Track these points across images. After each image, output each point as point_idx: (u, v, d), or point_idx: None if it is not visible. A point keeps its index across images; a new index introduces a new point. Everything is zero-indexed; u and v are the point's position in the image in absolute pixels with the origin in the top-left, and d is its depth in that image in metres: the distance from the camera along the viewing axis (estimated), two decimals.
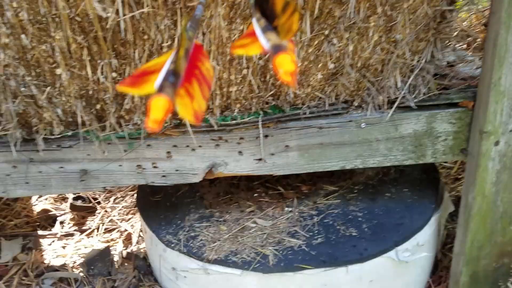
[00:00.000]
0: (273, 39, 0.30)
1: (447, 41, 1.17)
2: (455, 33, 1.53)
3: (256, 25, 0.33)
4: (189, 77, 0.33)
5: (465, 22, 1.86)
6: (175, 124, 1.09)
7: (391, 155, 1.18)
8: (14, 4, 0.88)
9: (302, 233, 1.24)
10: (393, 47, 1.06)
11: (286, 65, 0.28)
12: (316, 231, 1.25)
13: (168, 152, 1.13)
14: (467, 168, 1.22)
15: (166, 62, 0.34)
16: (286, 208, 1.34)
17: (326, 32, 1.00)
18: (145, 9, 0.89)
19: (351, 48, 1.03)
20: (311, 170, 1.18)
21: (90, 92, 1.02)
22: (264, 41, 0.30)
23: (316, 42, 1.00)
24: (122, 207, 1.96)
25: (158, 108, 0.28)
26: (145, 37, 0.93)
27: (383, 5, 0.99)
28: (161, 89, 0.29)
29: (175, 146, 1.12)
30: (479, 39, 1.77)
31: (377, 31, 1.02)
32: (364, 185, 1.42)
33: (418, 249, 1.27)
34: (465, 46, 1.72)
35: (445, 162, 1.90)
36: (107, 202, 2.03)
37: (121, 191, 2.10)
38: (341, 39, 1.01)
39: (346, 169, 1.27)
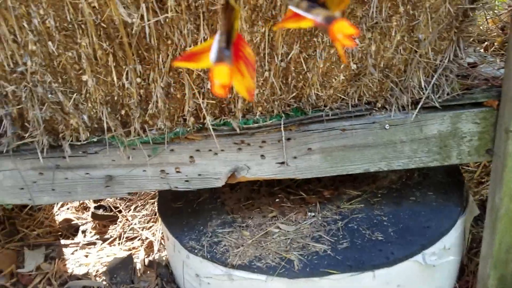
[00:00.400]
0: (323, 12, 0.31)
1: (470, 40, 1.15)
2: (472, 38, 1.52)
3: (297, 9, 0.33)
4: (236, 58, 0.33)
5: (481, 27, 1.84)
6: (198, 128, 1.10)
7: (416, 156, 1.16)
8: (41, 12, 0.90)
9: (326, 238, 1.23)
10: (416, 46, 1.05)
11: (346, 29, 0.29)
12: (341, 236, 1.23)
13: (191, 157, 1.13)
14: (493, 168, 1.20)
15: (212, 43, 0.35)
16: (309, 213, 1.33)
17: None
18: (169, 14, 0.90)
19: (373, 48, 1.02)
20: (334, 173, 1.17)
21: (115, 98, 1.03)
22: (313, 16, 0.31)
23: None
24: (143, 215, 1.97)
25: (222, 75, 0.28)
26: (169, 41, 0.95)
27: (405, 5, 0.98)
28: (220, 59, 0.29)
29: (197, 150, 1.12)
30: (496, 43, 1.75)
31: (399, 30, 1.02)
32: (387, 189, 1.41)
33: (445, 252, 1.25)
34: (482, 50, 1.70)
35: (467, 166, 1.87)
36: (128, 210, 2.04)
37: (142, 199, 2.11)
38: (363, 39, 1.01)
39: (369, 174, 1.27)
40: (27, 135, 1.09)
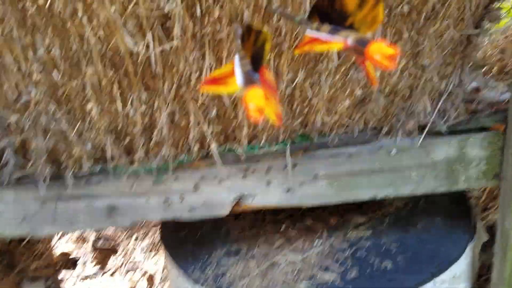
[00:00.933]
0: (353, 34, 0.30)
1: (475, 65, 1.16)
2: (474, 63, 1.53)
3: (317, 33, 0.32)
4: (264, 85, 0.32)
5: (480, 51, 1.86)
6: (203, 155, 1.08)
7: (424, 182, 1.15)
8: (47, 41, 0.91)
9: (335, 267, 1.19)
10: (421, 72, 1.05)
11: (385, 50, 0.27)
12: (350, 265, 1.20)
13: (196, 185, 1.11)
14: (502, 193, 1.18)
15: (233, 67, 0.34)
16: (316, 241, 1.30)
17: (353, 58, 1.00)
18: (175, 42, 0.90)
19: (378, 73, 1.02)
20: (341, 200, 1.15)
21: (120, 126, 1.03)
22: (342, 39, 0.30)
23: (343, 69, 1.00)
24: (144, 245, 1.94)
25: (257, 97, 0.27)
26: (174, 69, 0.95)
27: (409, 30, 0.99)
28: (250, 82, 0.28)
29: (202, 178, 1.11)
30: (495, 68, 1.77)
31: (404, 56, 1.02)
32: (394, 216, 1.38)
33: (455, 280, 1.21)
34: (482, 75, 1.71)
35: (472, 189, 1.85)
36: (128, 241, 2.00)
37: (143, 229, 2.08)
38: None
39: (375, 201, 1.24)
40: (29, 165, 1.07)
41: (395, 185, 1.14)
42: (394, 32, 0.98)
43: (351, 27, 0.31)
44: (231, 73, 0.35)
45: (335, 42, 0.30)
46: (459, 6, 1.00)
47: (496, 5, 1.02)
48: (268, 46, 0.32)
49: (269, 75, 0.33)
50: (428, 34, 1.00)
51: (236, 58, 0.35)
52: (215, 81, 0.34)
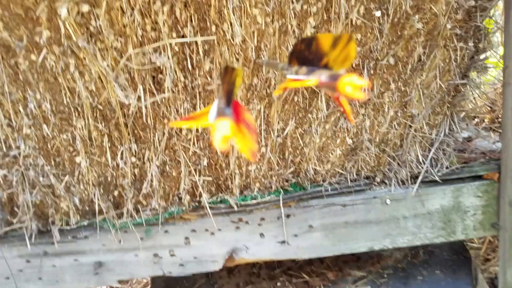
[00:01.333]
0: (326, 72, 0.30)
1: (463, 115, 1.17)
2: (464, 114, 1.56)
3: (297, 76, 0.33)
4: (237, 121, 0.32)
5: (469, 104, 1.90)
6: (194, 207, 1.06)
7: (421, 233, 1.12)
8: (38, 96, 0.91)
9: None
10: (410, 121, 1.06)
11: (354, 82, 0.27)
12: None
13: (186, 238, 1.08)
14: (501, 243, 1.15)
15: (211, 107, 0.34)
16: None
17: (342, 108, 1.00)
18: (166, 94, 0.91)
19: (368, 123, 1.03)
20: (337, 253, 1.11)
21: (109, 179, 1.01)
22: (317, 77, 0.30)
23: (332, 119, 1.01)
24: None
25: (223, 127, 0.26)
26: (165, 120, 0.95)
27: (396, 81, 1.01)
28: (220, 115, 0.28)
29: (193, 230, 1.08)
30: (486, 120, 1.80)
31: (392, 106, 1.03)
32: (393, 269, 1.34)
33: None
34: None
35: (472, 242, 1.81)
36: None
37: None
38: (357, 114, 1.02)
39: (373, 253, 1.21)
40: (15, 220, 1.04)
41: (392, 236, 1.11)
42: (381, 83, 1.00)
43: (326, 66, 0.31)
44: (206, 112, 0.34)
45: (311, 80, 0.30)
46: (444, 58, 1.02)
47: (482, 56, 1.04)
48: (239, 81, 0.32)
49: (248, 115, 0.33)
50: (415, 85, 1.02)
51: (216, 99, 0.35)
52: (188, 118, 0.34)
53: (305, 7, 0.87)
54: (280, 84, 0.32)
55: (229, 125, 0.27)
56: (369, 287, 1.27)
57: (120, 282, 1.11)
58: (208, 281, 1.38)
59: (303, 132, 1.01)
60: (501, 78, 1.63)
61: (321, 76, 0.29)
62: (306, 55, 0.31)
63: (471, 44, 1.03)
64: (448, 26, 0.99)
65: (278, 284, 1.34)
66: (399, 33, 0.96)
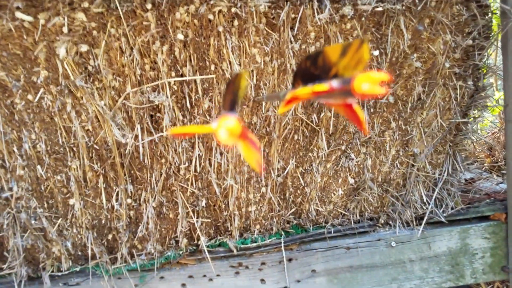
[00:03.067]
0: (338, 79, 0.28)
1: (466, 155, 1.16)
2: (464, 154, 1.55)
3: (303, 92, 0.31)
4: (244, 137, 0.30)
5: (468, 148, 1.90)
6: (191, 251, 1.02)
7: (428, 277, 1.07)
8: (33, 136, 0.89)
9: None
10: (412, 160, 1.04)
11: (372, 78, 0.25)
12: None
13: (183, 285, 1.03)
14: None
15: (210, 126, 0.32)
16: None
17: (343, 147, 0.99)
18: (164, 133, 0.89)
19: (369, 162, 1.01)
20: None
21: (103, 221, 0.97)
22: (328, 84, 0.28)
23: (333, 157, 0.99)
24: None
25: (229, 123, 0.24)
26: (163, 160, 0.93)
27: (396, 120, 1.00)
28: (224, 115, 0.26)
29: (190, 276, 1.02)
30: (486, 163, 1.78)
31: (393, 145, 1.01)
32: None
33: None
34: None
35: (480, 287, 1.75)
36: None
37: None
38: (358, 153, 1.00)
39: None
40: (5, 266, 0.99)
41: (399, 281, 1.06)
42: (381, 121, 0.99)
43: (335, 76, 0.29)
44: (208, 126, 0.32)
45: (319, 87, 0.28)
46: (444, 96, 1.02)
47: (482, 93, 1.04)
48: (243, 83, 0.30)
49: (251, 135, 0.31)
50: (416, 123, 1.01)
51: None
52: (187, 129, 0.32)
53: (303, 46, 0.87)
54: (286, 97, 0.29)
55: (236, 120, 0.25)
56: None
57: None
58: None
59: (304, 171, 0.99)
60: (498, 123, 1.63)
61: (332, 83, 0.27)
62: (312, 71, 0.30)
63: (470, 82, 1.03)
64: (447, 64, 0.99)
65: None
66: (397, 71, 0.96)
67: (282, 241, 1.01)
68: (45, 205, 0.96)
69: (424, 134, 1.03)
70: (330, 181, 1.01)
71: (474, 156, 1.75)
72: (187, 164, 0.92)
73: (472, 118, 1.09)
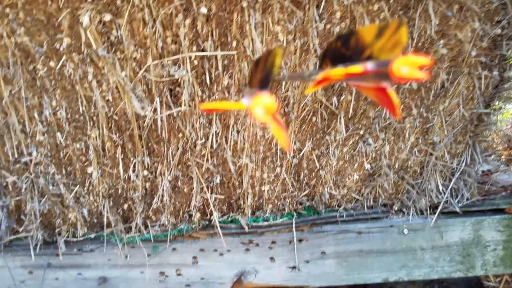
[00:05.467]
0: (373, 61, 0.27)
1: (486, 146, 1.13)
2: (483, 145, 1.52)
3: (331, 74, 0.30)
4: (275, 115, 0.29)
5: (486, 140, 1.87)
6: (204, 225, 1.03)
7: (438, 266, 1.07)
8: (54, 103, 0.90)
9: None
10: (431, 149, 1.02)
11: (413, 61, 0.24)
12: None
13: (194, 257, 1.04)
14: None
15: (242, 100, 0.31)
16: None
17: (361, 132, 0.98)
18: (182, 108, 0.90)
19: (387, 148, 1.00)
20: (350, 282, 1.07)
21: (119, 191, 0.99)
22: (363, 67, 0.27)
23: (351, 142, 0.98)
24: None
25: (265, 101, 0.23)
26: (180, 135, 0.93)
27: (418, 107, 0.98)
28: (257, 93, 0.25)
29: (202, 250, 1.04)
30: (503, 156, 1.75)
31: (413, 132, 1.00)
32: None
33: None
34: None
35: (488, 281, 1.74)
36: None
37: None
38: (376, 139, 0.99)
39: (386, 286, 1.15)
40: (21, 229, 1.02)
41: (408, 268, 1.06)
42: (403, 108, 0.97)
43: (369, 58, 0.28)
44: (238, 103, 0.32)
45: (353, 69, 0.27)
46: (468, 85, 1.00)
47: (507, 84, 1.01)
48: (278, 61, 0.29)
49: (282, 120, 0.30)
50: (438, 111, 0.99)
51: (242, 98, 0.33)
52: (218, 104, 0.31)
53: (328, 26, 0.85)
54: (317, 77, 0.29)
55: (270, 98, 0.24)
56: None
57: None
58: None
59: (320, 154, 0.98)
60: None
61: (367, 65, 0.26)
62: (343, 52, 0.29)
63: (496, 73, 1.01)
64: (473, 53, 0.96)
65: None
66: None
67: (294, 222, 1.01)
68: (63, 172, 0.98)
69: (445, 123, 1.02)
70: (346, 165, 1.00)
71: (492, 148, 1.73)
72: (203, 140, 0.93)
73: (493, 110, 1.07)
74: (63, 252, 1.02)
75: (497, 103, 1.05)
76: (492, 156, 1.69)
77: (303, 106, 0.92)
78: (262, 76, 0.30)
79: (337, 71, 0.28)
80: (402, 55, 0.25)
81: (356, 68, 0.27)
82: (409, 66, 0.24)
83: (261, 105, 0.23)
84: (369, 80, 0.27)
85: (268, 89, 0.28)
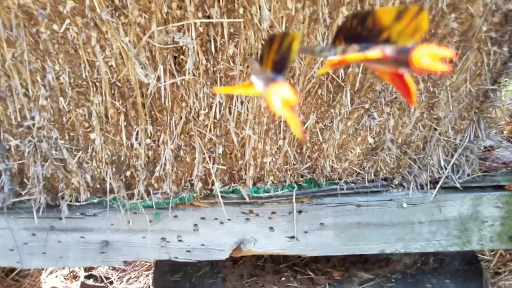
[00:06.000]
0: (392, 45, 0.26)
1: (490, 122, 1.13)
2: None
3: (346, 55, 0.29)
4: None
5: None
6: (205, 194, 1.04)
7: (435, 239, 1.09)
8: (57, 67, 0.89)
9: None
10: (435, 124, 1.02)
11: (435, 52, 0.24)
12: None
13: (195, 225, 1.06)
14: None
15: (252, 79, 0.31)
16: None
17: (366, 105, 0.97)
18: (186, 77, 0.89)
19: (392, 123, 1.00)
20: (347, 253, 1.09)
21: (122, 158, 0.99)
22: (382, 51, 0.26)
23: (356, 115, 0.98)
24: None
25: (282, 91, 0.23)
26: (183, 104, 0.92)
27: (425, 81, 0.97)
28: (273, 80, 0.24)
29: (203, 218, 1.05)
30: (505, 131, 1.75)
31: (419, 107, 0.99)
32: (402, 274, 1.31)
33: None
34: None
35: (483, 254, 1.78)
36: (120, 282, 1.91)
37: (135, 270, 1.99)
38: (381, 113, 0.99)
39: (381, 256, 1.18)
40: (24, 192, 1.03)
41: (405, 241, 1.08)
42: None
43: (386, 41, 0.27)
44: (248, 85, 0.31)
45: (370, 54, 0.26)
46: (476, 61, 0.98)
47: None
48: (296, 45, 0.28)
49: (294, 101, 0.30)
50: (444, 86, 0.98)
51: (253, 77, 0.32)
52: (232, 89, 0.31)
53: None
54: (327, 65, 0.28)
55: (287, 88, 0.24)
56: None
57: (124, 263, 1.09)
58: (212, 270, 1.36)
59: (323, 127, 0.98)
60: None
61: (386, 49, 0.25)
62: (359, 31, 0.28)
63: (505, 49, 0.99)
64: (484, 28, 0.94)
65: (283, 279, 1.32)
66: (433, 31, 0.92)
67: (294, 194, 1.02)
68: (66, 137, 0.98)
69: (451, 98, 1.01)
70: (349, 139, 1.00)
71: (494, 122, 1.72)
72: (207, 110, 0.92)
73: (500, 86, 1.06)
74: (66, 216, 1.03)
75: (504, 80, 1.04)
76: (495, 131, 1.69)
77: (309, 78, 0.91)
78: (278, 59, 0.29)
79: (356, 57, 0.27)
80: (423, 44, 0.25)
81: (375, 53, 0.26)
82: (430, 57, 0.24)
83: (279, 97, 0.23)
84: (386, 64, 0.27)
85: (284, 75, 0.28)
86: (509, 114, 1.78)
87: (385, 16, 0.27)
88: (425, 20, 0.26)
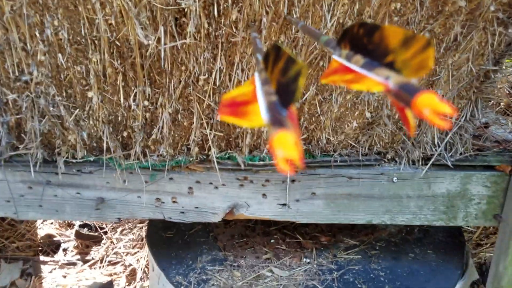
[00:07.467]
0: (393, 76, 0.26)
1: (488, 102, 1.13)
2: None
3: (348, 63, 0.29)
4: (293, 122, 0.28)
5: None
6: (201, 159, 1.05)
7: (421, 214, 1.12)
8: (55, 23, 0.87)
9: None
10: None
11: (438, 106, 0.24)
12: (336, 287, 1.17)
13: (190, 188, 1.08)
14: (499, 235, 1.16)
15: (255, 91, 0.31)
16: (304, 259, 1.27)
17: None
18: (187, 40, 0.87)
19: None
20: (336, 221, 1.12)
21: (119, 118, 0.99)
22: (382, 79, 0.26)
23: (355, 90, 0.98)
24: (129, 239, 1.90)
25: (287, 144, 0.22)
26: (183, 67, 0.92)
27: None
28: (279, 123, 0.24)
29: (198, 182, 1.07)
30: (502, 104, 1.75)
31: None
32: (386, 242, 1.35)
33: None
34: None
35: (467, 226, 1.83)
36: (113, 232, 1.96)
37: (130, 222, 2.04)
38: None
39: (368, 224, 1.21)
40: (21, 146, 1.04)
41: (392, 213, 1.11)
42: None
43: (390, 65, 0.27)
44: (253, 98, 0.31)
45: (372, 81, 0.26)
46: (481, 41, 0.97)
47: None
48: (302, 81, 0.28)
49: (295, 112, 0.29)
50: (446, 65, 0.97)
51: (257, 78, 0.32)
52: (234, 106, 0.31)
53: None
54: (330, 72, 0.27)
55: (292, 140, 0.23)
56: (360, 256, 1.30)
57: (119, 219, 1.12)
58: (204, 228, 1.40)
59: (322, 99, 0.98)
60: None
61: (389, 81, 0.25)
62: (365, 42, 0.28)
63: (511, 30, 0.98)
64: (492, 8, 0.93)
65: (272, 241, 1.36)
66: (440, 8, 0.90)
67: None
68: (64, 94, 0.97)
69: (452, 77, 1.00)
70: (347, 112, 1.01)
71: (493, 94, 1.72)
72: (206, 76, 0.91)
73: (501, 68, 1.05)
74: (62, 171, 1.05)
75: (507, 62, 1.03)
76: (490, 102, 1.69)
77: (311, 49, 0.90)
78: (283, 84, 0.29)
79: (358, 86, 0.27)
80: (428, 93, 0.25)
81: (378, 81, 0.26)
82: (431, 108, 0.24)
83: (283, 150, 0.22)
84: (388, 93, 0.27)
85: (288, 109, 0.27)
86: (509, 85, 1.77)
87: (393, 37, 0.27)
88: (431, 58, 0.25)
